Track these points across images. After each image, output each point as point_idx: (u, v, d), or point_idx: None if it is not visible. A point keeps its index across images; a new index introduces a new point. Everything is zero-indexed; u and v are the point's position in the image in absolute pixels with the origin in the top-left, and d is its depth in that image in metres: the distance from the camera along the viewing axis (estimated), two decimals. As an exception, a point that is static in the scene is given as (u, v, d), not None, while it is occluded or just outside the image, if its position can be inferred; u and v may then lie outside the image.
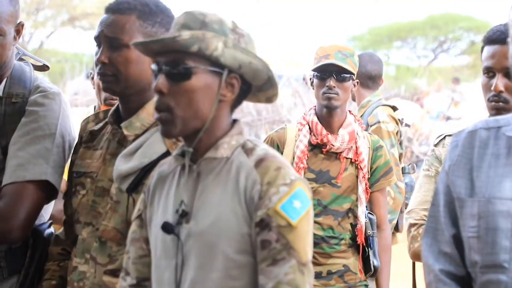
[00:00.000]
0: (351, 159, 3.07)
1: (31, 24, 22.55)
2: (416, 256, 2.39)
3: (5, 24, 2.15)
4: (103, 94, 3.00)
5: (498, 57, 2.22)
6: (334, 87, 3.00)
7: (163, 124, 1.65)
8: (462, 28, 28.03)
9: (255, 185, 1.62)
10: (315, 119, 3.08)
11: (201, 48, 1.60)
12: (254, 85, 1.71)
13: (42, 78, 2.31)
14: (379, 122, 4.16)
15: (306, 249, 1.63)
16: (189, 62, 1.61)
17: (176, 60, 1.62)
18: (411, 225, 2.40)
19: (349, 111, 3.16)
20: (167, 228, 1.66)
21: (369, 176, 3.11)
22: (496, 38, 2.24)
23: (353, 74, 3.06)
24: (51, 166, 2.15)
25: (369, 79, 4.42)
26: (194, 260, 1.64)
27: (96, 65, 2.05)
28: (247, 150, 1.68)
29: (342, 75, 3.02)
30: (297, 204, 1.62)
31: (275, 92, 1.73)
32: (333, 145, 3.03)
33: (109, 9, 2.04)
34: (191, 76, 1.61)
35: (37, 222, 2.20)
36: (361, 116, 4.32)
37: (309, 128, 3.08)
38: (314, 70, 3.06)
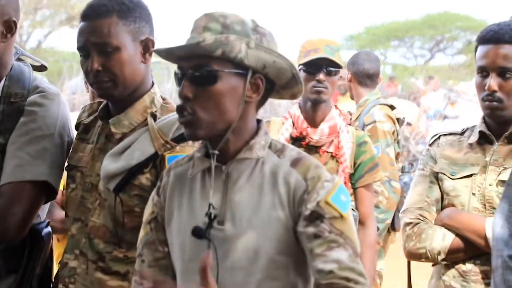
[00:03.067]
0: (331, 153, 3.05)
1: (29, 24, 22.50)
2: (411, 255, 2.37)
3: None
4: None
5: (492, 56, 2.23)
6: (324, 81, 3.00)
7: (187, 127, 1.62)
8: (459, 28, 28.05)
9: (298, 183, 1.62)
10: (298, 112, 3.09)
11: (225, 51, 1.58)
12: (278, 83, 1.69)
13: (41, 79, 2.30)
14: (375, 121, 4.17)
15: (357, 241, 1.62)
16: (214, 66, 1.59)
17: (200, 64, 1.59)
18: (406, 224, 2.38)
19: (335, 106, 3.15)
20: (197, 233, 1.63)
21: (354, 171, 3.09)
22: (489, 37, 2.25)
23: (341, 68, 3.05)
24: (50, 167, 2.14)
25: (367, 77, 4.44)
26: (232, 262, 1.62)
27: (87, 74, 2.00)
28: (277, 150, 1.69)
29: (332, 69, 3.01)
30: (343, 198, 1.63)
31: (300, 89, 1.71)
32: (312, 138, 3.02)
33: (87, 16, 2.00)
34: (216, 80, 1.59)
35: (35, 221, 2.19)
36: (359, 115, 4.33)
37: (292, 121, 3.08)
38: (304, 64, 3.03)
